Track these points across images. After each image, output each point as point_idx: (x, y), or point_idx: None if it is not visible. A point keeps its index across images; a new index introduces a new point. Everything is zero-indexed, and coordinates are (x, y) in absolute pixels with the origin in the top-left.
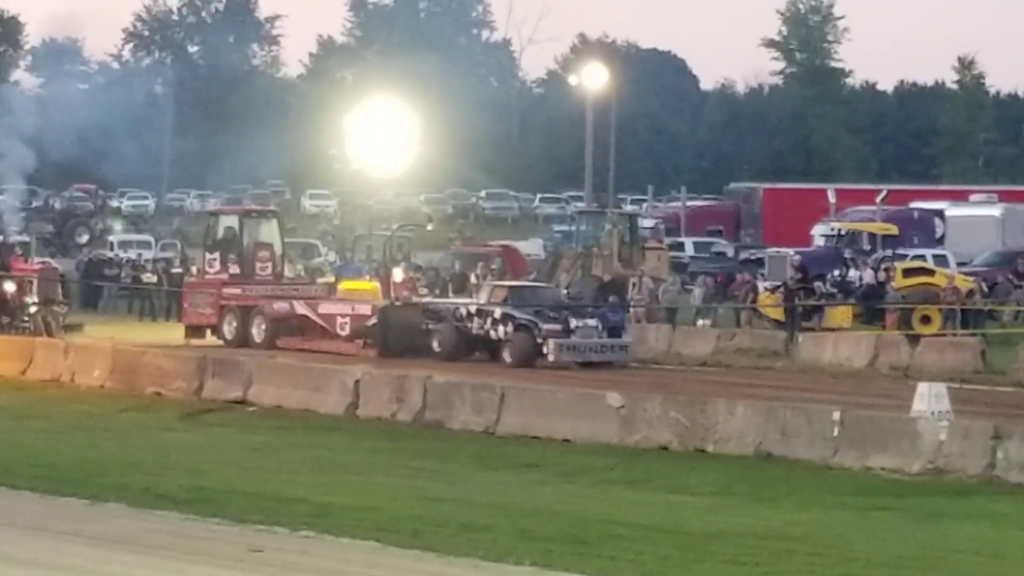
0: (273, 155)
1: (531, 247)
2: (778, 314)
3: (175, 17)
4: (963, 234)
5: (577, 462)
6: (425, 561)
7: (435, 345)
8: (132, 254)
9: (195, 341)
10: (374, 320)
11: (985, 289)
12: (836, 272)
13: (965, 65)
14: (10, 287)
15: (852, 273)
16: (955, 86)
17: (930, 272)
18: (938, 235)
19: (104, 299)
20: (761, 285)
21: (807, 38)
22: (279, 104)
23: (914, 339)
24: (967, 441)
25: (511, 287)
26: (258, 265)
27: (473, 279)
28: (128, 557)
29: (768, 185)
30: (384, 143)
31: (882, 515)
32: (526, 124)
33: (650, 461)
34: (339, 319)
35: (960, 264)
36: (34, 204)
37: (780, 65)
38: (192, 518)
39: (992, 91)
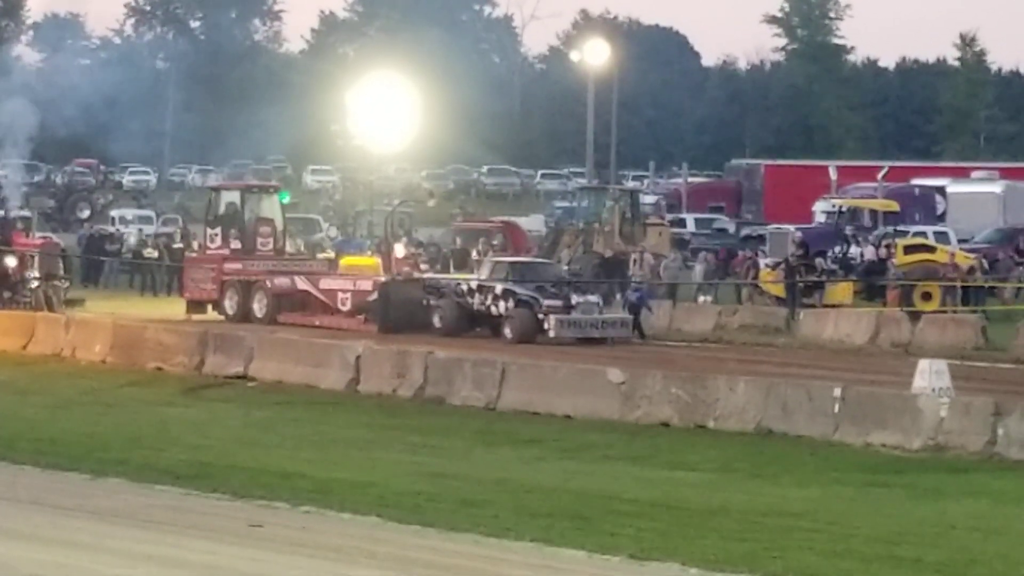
0: (275, 130)
1: (532, 223)
2: (779, 291)
3: None
4: (964, 211)
5: (578, 438)
6: (425, 536)
7: (436, 321)
8: (133, 229)
9: (196, 316)
10: (375, 296)
11: (986, 266)
12: (837, 249)
13: (967, 42)
14: (11, 262)
15: (853, 250)
16: (957, 63)
17: (931, 249)
18: (939, 212)
19: (105, 274)
20: (762, 262)
21: (809, 14)
22: (281, 79)
23: (915, 316)
24: (967, 418)
25: (512, 263)
26: (259, 240)
27: (474, 255)
28: (129, 532)
29: (769, 162)
30: (386, 119)
31: (882, 491)
32: (528, 100)
33: (651, 437)
34: (340, 294)
35: (961, 241)
36: (35, 179)
37: (782, 41)
38: (193, 493)
39: (993, 68)
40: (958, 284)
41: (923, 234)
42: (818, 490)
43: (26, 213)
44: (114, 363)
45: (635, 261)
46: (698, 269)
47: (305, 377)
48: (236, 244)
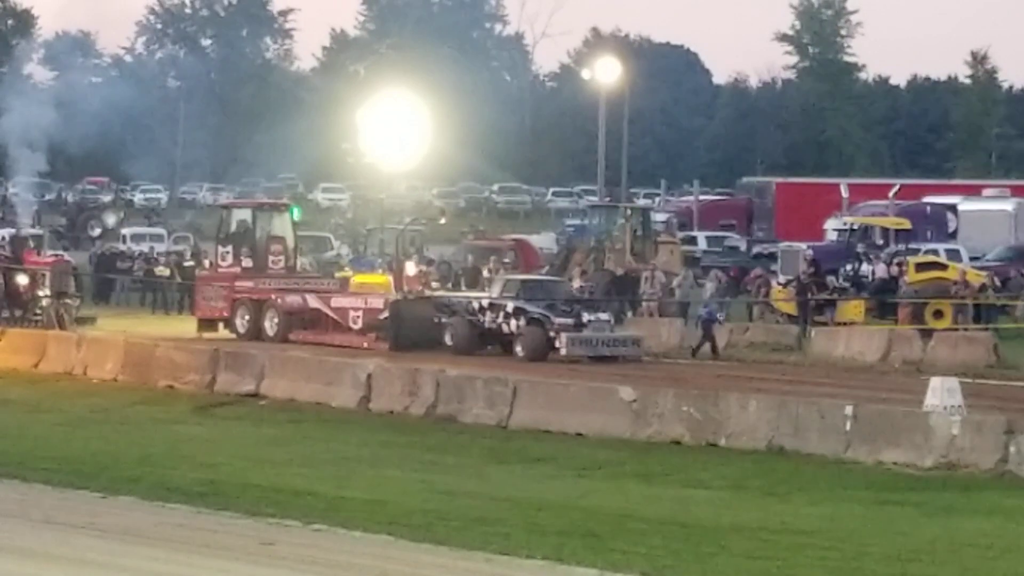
0: (286, 148)
1: (544, 241)
2: (791, 308)
3: (188, 10)
4: (976, 228)
5: (589, 456)
6: (437, 555)
7: (447, 339)
8: (144, 247)
9: (207, 334)
10: (386, 314)
11: (998, 283)
12: (849, 266)
13: (978, 59)
14: (23, 280)
15: (865, 267)
16: (968, 80)
17: (943, 267)
18: (951, 229)
19: (117, 292)
20: (774, 279)
21: (820, 32)
22: (292, 98)
23: (926, 334)
24: (979, 436)
25: (523, 281)
26: (271, 258)
27: (485, 273)
28: (140, 550)
29: (781, 179)
30: (397, 137)
31: (894, 509)
32: (539, 118)
33: (662, 455)
34: (351, 312)
35: (973, 259)
36: (47, 197)
37: (793, 59)
38: (204, 511)
39: (1005, 85)
40: (969, 302)
41: (935, 252)
42: (830, 508)
43: (37, 231)
44: (126, 381)
45: (646, 279)
46: (709, 287)
47: (316, 395)
48: (247, 262)
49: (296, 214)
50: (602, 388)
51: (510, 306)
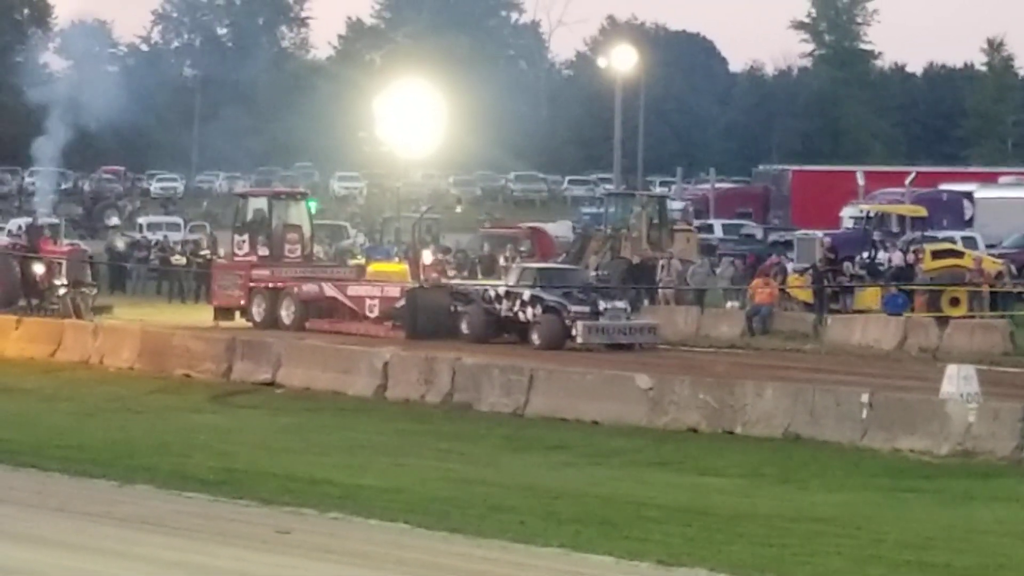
0: (302, 137)
1: (560, 229)
2: (807, 296)
3: None
4: (992, 216)
5: (605, 444)
6: (453, 543)
7: (463, 327)
8: (160, 236)
9: (224, 323)
10: (403, 302)
11: (1014, 271)
12: (865, 254)
13: (994, 47)
14: (39, 269)
15: (881, 255)
16: (984, 68)
17: (959, 254)
18: (967, 217)
19: (133, 281)
20: (790, 267)
21: (836, 20)
22: (308, 86)
23: (943, 321)
24: (996, 423)
25: (540, 269)
26: (287, 247)
27: (502, 261)
28: (156, 538)
29: (797, 167)
30: (413, 125)
31: (911, 497)
32: (555, 106)
33: (678, 443)
34: (368, 301)
35: (989, 246)
36: (63, 186)
37: (809, 47)
38: (220, 500)
39: (1021, 73)
40: (985, 289)
41: (951, 239)
42: (846, 495)
43: (54, 220)
44: (142, 370)
45: (663, 267)
46: (723, 273)
47: (333, 383)
48: (264, 251)
49: (313, 205)
50: (618, 376)
51: (526, 294)
